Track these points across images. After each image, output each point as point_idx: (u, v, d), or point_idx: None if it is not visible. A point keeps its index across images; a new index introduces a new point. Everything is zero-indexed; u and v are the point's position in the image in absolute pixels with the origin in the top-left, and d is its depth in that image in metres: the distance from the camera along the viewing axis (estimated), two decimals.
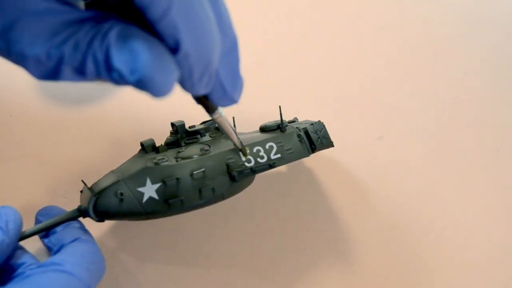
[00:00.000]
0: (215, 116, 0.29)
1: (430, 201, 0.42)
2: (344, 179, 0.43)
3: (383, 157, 0.45)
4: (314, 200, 0.42)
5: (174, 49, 0.20)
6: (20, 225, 0.30)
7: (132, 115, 0.47)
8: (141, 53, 0.19)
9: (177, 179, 0.33)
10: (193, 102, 0.48)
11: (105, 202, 0.32)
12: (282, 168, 0.43)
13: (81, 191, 0.34)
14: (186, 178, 0.33)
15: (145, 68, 0.19)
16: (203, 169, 0.34)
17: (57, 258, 0.28)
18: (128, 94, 0.49)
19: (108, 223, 0.39)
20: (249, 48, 0.54)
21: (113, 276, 0.36)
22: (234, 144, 0.35)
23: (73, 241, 0.30)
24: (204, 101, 0.27)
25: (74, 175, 0.41)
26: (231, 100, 0.26)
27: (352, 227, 0.40)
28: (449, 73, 0.53)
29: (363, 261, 0.38)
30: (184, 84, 0.22)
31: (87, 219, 0.33)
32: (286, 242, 0.39)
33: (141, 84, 0.20)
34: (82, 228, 0.32)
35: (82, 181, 0.34)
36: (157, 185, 0.33)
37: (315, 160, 0.44)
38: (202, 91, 0.23)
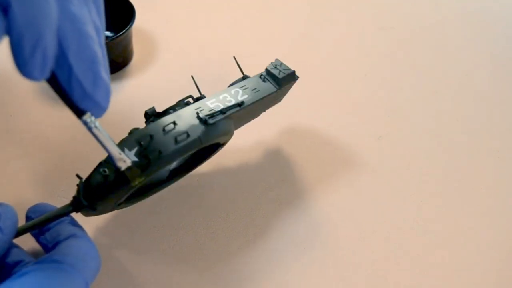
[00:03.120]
0: (87, 123, 0.27)
1: (430, 201, 0.42)
2: (344, 179, 0.43)
3: (383, 157, 0.45)
4: (313, 200, 0.42)
5: (5, 10, 0.21)
6: (16, 223, 0.30)
7: (129, 115, 0.47)
8: None
9: (151, 136, 0.33)
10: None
11: (92, 183, 0.32)
12: (281, 169, 0.43)
13: (77, 185, 0.34)
14: (159, 133, 0.34)
15: None
16: (173, 120, 0.34)
17: (53, 254, 0.28)
18: (125, 95, 0.49)
19: (105, 222, 0.39)
20: (249, 49, 0.54)
21: (109, 273, 0.36)
22: (114, 162, 0.31)
23: (68, 237, 0.30)
24: (68, 100, 0.25)
25: (74, 175, 0.41)
26: (94, 102, 0.25)
27: (352, 227, 0.40)
28: (450, 74, 0.53)
29: (363, 261, 0.38)
30: (17, 59, 0.22)
31: (84, 218, 0.32)
32: (285, 242, 0.39)
33: None
34: (76, 224, 0.32)
35: (77, 175, 0.34)
36: (134, 150, 0.33)
37: (315, 160, 0.44)
38: (38, 71, 0.22)
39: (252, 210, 0.41)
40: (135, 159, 0.32)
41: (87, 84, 0.24)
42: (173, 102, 0.50)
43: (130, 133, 0.36)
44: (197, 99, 0.39)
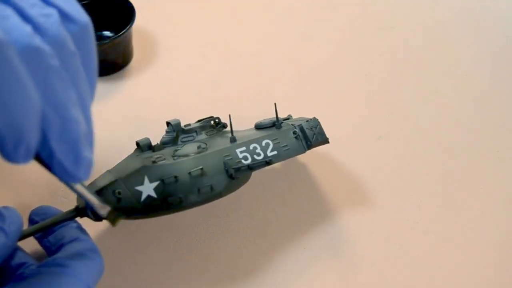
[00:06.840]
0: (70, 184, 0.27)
1: (430, 201, 0.42)
2: (344, 179, 0.43)
3: (383, 157, 0.45)
4: (313, 200, 0.42)
5: None
6: (21, 227, 0.30)
7: (129, 115, 0.47)
8: None
9: (175, 177, 0.33)
10: (188, 103, 0.48)
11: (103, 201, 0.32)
12: (281, 168, 0.43)
13: None
14: (184, 176, 0.33)
15: None
16: (201, 167, 0.34)
17: (56, 258, 0.28)
18: (125, 95, 0.49)
19: (108, 225, 0.39)
20: (249, 49, 0.54)
21: (112, 276, 0.36)
22: (97, 213, 0.30)
23: (71, 241, 0.30)
24: (50, 171, 0.25)
25: None
26: (76, 178, 0.25)
27: (351, 227, 0.40)
28: (450, 73, 0.53)
29: (363, 261, 0.38)
30: (1, 151, 0.22)
31: (85, 219, 0.32)
32: (285, 242, 0.39)
33: None
34: (80, 228, 0.32)
35: None
36: (155, 184, 0.33)
37: (315, 160, 0.44)
38: (23, 161, 0.23)
39: (252, 210, 0.41)
40: (154, 194, 0.33)
41: (68, 164, 0.24)
42: (173, 102, 0.50)
43: (138, 145, 0.36)
44: (218, 124, 0.39)
